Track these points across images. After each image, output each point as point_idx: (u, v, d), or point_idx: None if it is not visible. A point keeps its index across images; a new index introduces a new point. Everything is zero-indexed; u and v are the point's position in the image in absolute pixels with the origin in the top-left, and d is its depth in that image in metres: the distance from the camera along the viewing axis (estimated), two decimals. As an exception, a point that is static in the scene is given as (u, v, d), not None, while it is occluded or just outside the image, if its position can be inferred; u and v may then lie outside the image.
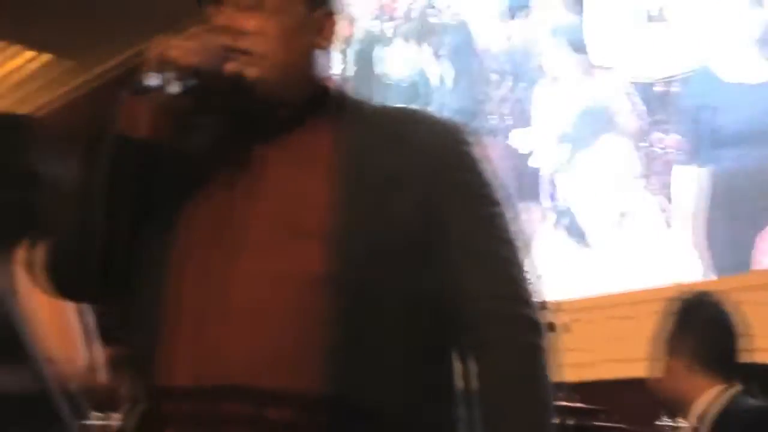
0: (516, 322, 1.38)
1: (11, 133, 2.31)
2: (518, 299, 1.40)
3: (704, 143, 4.43)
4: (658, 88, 4.62)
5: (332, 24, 1.54)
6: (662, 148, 4.56)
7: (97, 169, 1.36)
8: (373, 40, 6.46)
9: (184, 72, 1.34)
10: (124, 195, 1.35)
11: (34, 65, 9.27)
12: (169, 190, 1.43)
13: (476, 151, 1.50)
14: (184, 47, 1.36)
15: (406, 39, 6.21)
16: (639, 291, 4.38)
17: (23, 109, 9.46)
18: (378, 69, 6.31)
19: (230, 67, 1.38)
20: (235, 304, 1.33)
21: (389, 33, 6.36)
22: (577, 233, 4.87)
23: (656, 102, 4.62)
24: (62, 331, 2.03)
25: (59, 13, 7.88)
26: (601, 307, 4.48)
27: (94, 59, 8.79)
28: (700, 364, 2.77)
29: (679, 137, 4.52)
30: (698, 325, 2.85)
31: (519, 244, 1.46)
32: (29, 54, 9.08)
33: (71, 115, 9.01)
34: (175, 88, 1.34)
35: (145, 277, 1.39)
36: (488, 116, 5.42)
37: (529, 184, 5.14)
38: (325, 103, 1.49)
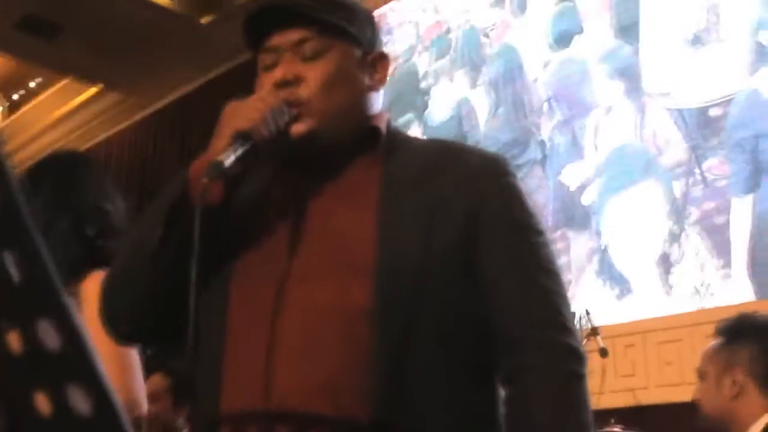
0: (555, 349, 1.41)
1: (71, 170, 2.39)
2: (557, 326, 1.42)
3: (754, 169, 4.37)
4: (710, 113, 4.58)
5: (385, 65, 1.61)
6: (714, 175, 4.52)
7: (159, 234, 1.42)
8: (415, 70, 6.43)
9: (257, 142, 1.39)
10: (185, 255, 1.36)
11: (98, 101, 9.49)
12: (227, 233, 1.48)
13: (517, 183, 1.55)
14: (254, 117, 1.39)
15: (451, 68, 6.16)
16: (689, 313, 4.33)
17: (87, 143, 9.72)
18: (422, 100, 6.28)
19: (297, 129, 1.45)
20: (286, 336, 1.38)
21: (433, 62, 6.32)
22: (624, 261, 4.82)
23: (707, 128, 4.58)
24: (115, 362, 2.06)
25: (124, 52, 8.08)
26: (653, 330, 4.45)
27: (155, 95, 8.99)
28: (757, 382, 2.57)
29: (728, 163, 4.47)
30: (755, 339, 2.62)
31: (559, 273, 1.49)
32: (94, 90, 9.30)
33: (130, 148, 9.22)
34: (246, 155, 1.38)
35: (205, 312, 1.44)
36: (538, 147, 5.38)
37: (579, 214, 5.08)
38: (374, 142, 1.54)
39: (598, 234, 4.92)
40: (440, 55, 6.25)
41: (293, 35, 1.49)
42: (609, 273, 4.79)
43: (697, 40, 4.74)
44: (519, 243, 1.47)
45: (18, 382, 0.51)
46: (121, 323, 1.56)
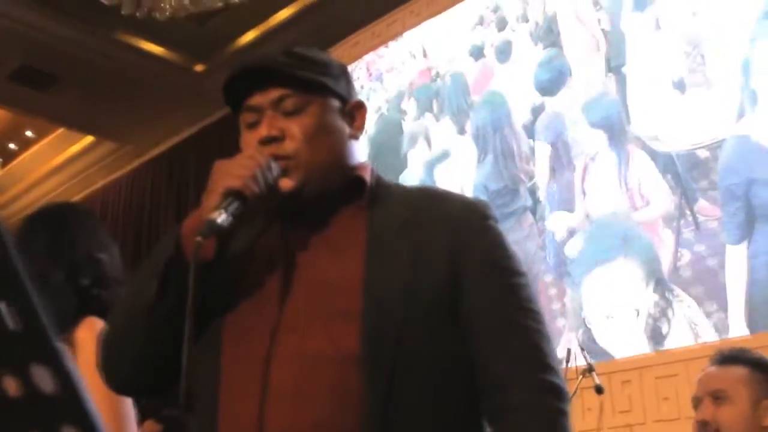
0: (537, 387, 1.43)
1: (63, 222, 2.41)
2: (539, 365, 1.45)
3: (747, 216, 4.37)
4: (699, 155, 4.58)
5: (362, 114, 1.66)
6: (705, 216, 4.52)
7: (155, 290, 1.46)
8: (397, 119, 6.43)
9: (248, 199, 1.42)
10: (179, 310, 1.39)
11: (94, 150, 9.54)
12: (219, 286, 1.51)
13: (497, 226, 1.59)
14: (244, 174, 1.43)
15: (438, 116, 6.16)
16: (685, 348, 4.34)
17: (84, 191, 9.75)
18: (405, 147, 6.29)
19: (285, 184, 1.49)
20: (278, 383, 1.41)
21: (420, 107, 6.34)
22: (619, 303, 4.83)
23: (696, 170, 4.58)
24: (109, 407, 2.07)
25: (118, 101, 8.14)
26: (649, 365, 4.45)
27: (150, 143, 9.04)
28: None
29: (718, 207, 4.47)
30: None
31: (540, 312, 1.52)
32: (89, 139, 9.35)
33: (126, 195, 9.25)
34: (237, 212, 1.41)
35: (199, 363, 1.45)
36: (528, 194, 5.37)
37: (568, 261, 5.09)
38: (359, 192, 1.59)
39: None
40: (427, 101, 6.27)
41: (273, 94, 1.55)
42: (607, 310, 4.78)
43: (683, 83, 4.76)
44: (499, 284, 1.51)
45: (15, 424, 0.54)
46: (119, 379, 1.59)
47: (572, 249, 5.07)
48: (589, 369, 4.21)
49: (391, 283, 1.45)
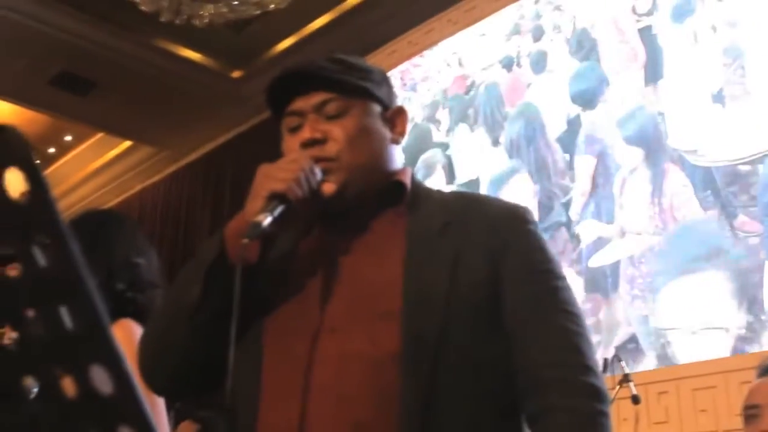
0: (577, 389, 1.43)
1: (100, 228, 2.43)
2: (579, 366, 1.44)
3: None
4: (740, 169, 4.50)
5: (403, 119, 1.68)
6: (744, 233, 4.45)
7: (198, 292, 1.47)
8: (436, 125, 6.41)
9: (291, 202, 1.44)
10: (222, 314, 1.41)
11: (131, 154, 9.62)
12: (261, 290, 1.52)
13: (537, 230, 1.59)
14: (288, 178, 1.44)
15: (472, 127, 6.11)
16: (723, 359, 4.29)
17: (121, 195, 9.82)
18: (442, 155, 6.28)
19: (328, 189, 1.51)
20: (319, 385, 1.42)
21: (453, 118, 6.29)
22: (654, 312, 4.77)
23: (736, 184, 4.50)
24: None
25: (156, 106, 8.20)
26: (687, 377, 4.41)
27: (187, 148, 9.10)
28: None
29: (758, 222, 4.40)
30: None
31: (581, 315, 1.52)
32: (127, 144, 9.43)
33: (163, 200, 9.30)
34: (282, 215, 1.43)
35: (240, 366, 1.45)
36: (562, 209, 5.32)
37: (600, 276, 5.06)
38: (399, 195, 1.60)
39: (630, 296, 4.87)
40: (461, 112, 6.23)
41: (315, 98, 1.56)
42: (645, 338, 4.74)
43: (722, 96, 4.68)
44: (539, 287, 1.51)
45: (73, 425, 0.55)
46: (160, 381, 1.60)
47: (607, 260, 5.02)
48: (626, 379, 4.18)
49: (431, 284, 1.45)
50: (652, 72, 5.08)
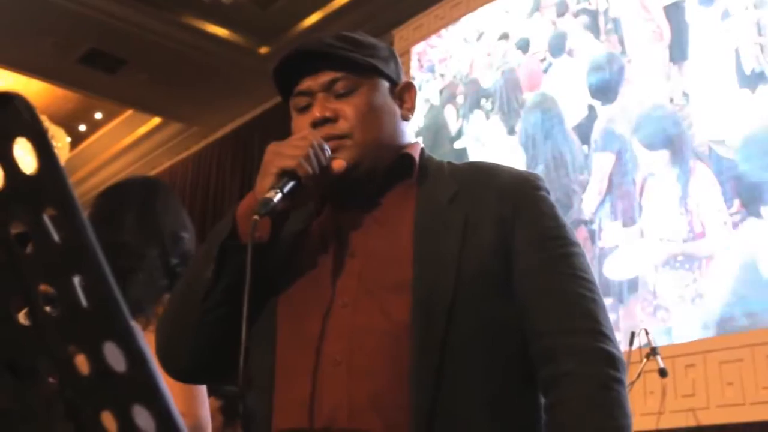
0: (589, 355, 1.41)
1: (153, 196, 2.39)
2: (591, 332, 1.43)
3: None
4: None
5: (412, 95, 1.68)
6: None
7: (210, 272, 1.47)
8: (451, 112, 6.24)
9: (302, 179, 1.44)
10: (235, 294, 1.40)
11: (161, 131, 9.65)
12: (273, 268, 1.53)
13: (549, 197, 1.58)
14: (297, 155, 1.44)
15: (488, 114, 5.94)
16: (750, 332, 4.25)
17: (151, 171, 9.87)
18: (455, 143, 6.10)
19: (338, 165, 1.50)
20: (329, 358, 1.43)
21: (468, 105, 6.13)
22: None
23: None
24: (183, 387, 2.06)
25: (184, 83, 8.22)
26: (713, 350, 4.37)
27: (216, 125, 9.12)
28: None
29: None
30: None
31: (593, 281, 1.50)
32: (156, 120, 9.46)
33: (192, 176, 9.34)
34: (292, 192, 1.43)
35: (254, 343, 1.48)
36: (581, 207, 5.15)
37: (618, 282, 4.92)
38: (409, 169, 1.60)
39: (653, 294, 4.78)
40: (476, 97, 6.10)
41: (324, 77, 1.56)
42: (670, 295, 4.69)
43: (752, 79, 4.54)
44: (551, 252, 1.49)
45: (86, 403, 0.53)
46: (177, 365, 1.60)
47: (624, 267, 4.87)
48: (653, 352, 4.16)
49: (441, 254, 1.45)
50: (677, 55, 4.94)
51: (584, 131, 5.32)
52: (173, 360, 1.58)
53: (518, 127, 5.72)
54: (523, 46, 5.86)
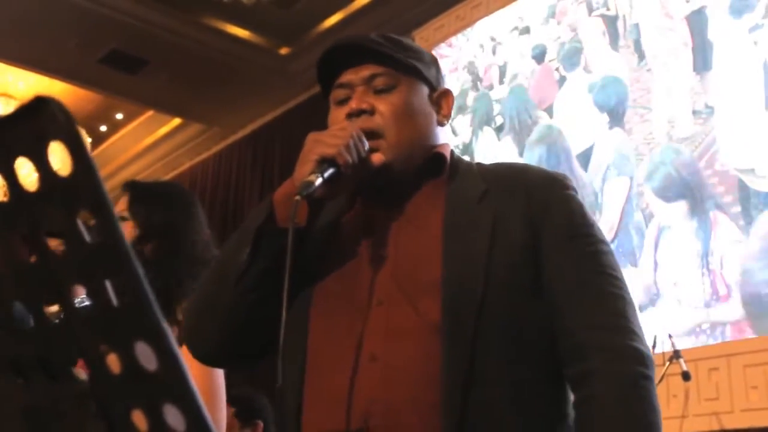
0: (617, 352, 1.42)
1: (192, 203, 2.51)
2: (620, 329, 1.45)
3: None
4: None
5: (450, 102, 1.70)
6: None
7: (246, 255, 1.49)
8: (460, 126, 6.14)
9: (341, 167, 1.46)
10: (269, 280, 1.45)
11: (181, 132, 9.69)
12: (306, 261, 1.54)
13: (577, 196, 1.60)
14: (338, 143, 1.46)
15: (498, 133, 5.85)
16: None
17: (171, 172, 9.91)
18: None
19: (377, 158, 1.53)
20: (367, 355, 1.45)
21: (474, 124, 6.06)
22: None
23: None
24: (201, 385, 2.11)
25: (205, 84, 8.25)
26: (737, 353, 4.35)
27: (237, 125, 9.14)
28: None
29: None
30: None
31: (622, 278, 1.52)
32: (177, 121, 9.50)
33: (213, 176, 9.37)
34: (331, 179, 1.45)
35: (286, 334, 1.48)
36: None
37: None
38: (439, 168, 1.63)
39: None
40: (486, 113, 6.02)
41: (365, 71, 1.59)
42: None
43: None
44: (579, 250, 1.51)
45: (116, 402, 0.55)
46: (206, 347, 1.62)
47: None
48: (676, 355, 4.14)
49: (471, 252, 1.47)
50: (701, 61, 4.82)
51: (595, 157, 5.20)
52: (201, 340, 1.61)
53: (525, 156, 5.63)
54: (539, 55, 5.78)
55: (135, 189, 2.49)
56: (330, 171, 1.44)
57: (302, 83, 7.53)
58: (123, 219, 2.39)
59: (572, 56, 5.56)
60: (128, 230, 2.35)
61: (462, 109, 6.20)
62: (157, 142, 9.93)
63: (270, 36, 7.75)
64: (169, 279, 2.26)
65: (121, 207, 2.42)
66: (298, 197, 1.40)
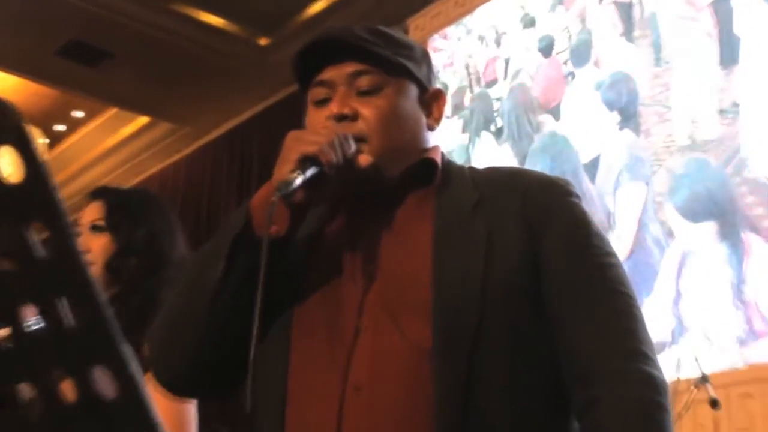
0: (628, 378, 1.41)
1: (169, 215, 2.55)
2: (630, 353, 1.44)
3: None
4: None
5: (441, 104, 1.70)
6: None
7: (221, 270, 1.47)
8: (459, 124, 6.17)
9: (324, 167, 1.45)
10: (247, 295, 1.42)
11: (149, 132, 9.68)
12: (286, 276, 1.53)
13: (580, 203, 1.60)
14: (321, 141, 1.45)
15: (497, 138, 5.86)
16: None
17: (137, 177, 9.90)
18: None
19: (364, 160, 1.52)
20: (353, 382, 1.44)
21: (473, 128, 6.07)
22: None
23: None
24: (172, 415, 2.12)
25: (175, 78, 8.24)
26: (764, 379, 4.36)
27: (211, 124, 9.14)
28: None
29: None
30: None
31: (633, 295, 1.51)
32: (144, 120, 9.49)
33: (185, 182, 9.36)
34: (313, 180, 1.44)
35: (265, 360, 1.49)
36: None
37: None
38: (430, 175, 1.61)
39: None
40: (484, 118, 6.04)
41: (348, 68, 1.58)
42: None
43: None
44: (584, 264, 1.51)
45: (73, 433, 0.55)
46: (174, 375, 1.61)
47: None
48: (703, 380, 4.14)
49: (463, 271, 1.46)
50: (728, 54, 4.79)
51: (605, 162, 5.18)
52: (170, 366, 1.59)
53: (527, 163, 5.59)
54: (545, 48, 5.78)
55: (111, 196, 2.50)
56: (312, 170, 1.43)
57: (284, 77, 7.49)
58: (98, 229, 2.39)
59: (582, 50, 5.54)
60: (104, 242, 2.36)
61: (458, 109, 6.21)
62: (122, 143, 9.92)
63: (248, 25, 7.75)
64: (146, 296, 2.27)
65: (94, 216, 2.42)
66: (275, 198, 1.39)
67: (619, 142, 5.16)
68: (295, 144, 1.46)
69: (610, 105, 5.24)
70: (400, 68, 1.60)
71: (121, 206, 2.46)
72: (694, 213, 4.70)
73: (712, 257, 4.60)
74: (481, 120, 6.06)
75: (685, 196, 4.76)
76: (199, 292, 1.51)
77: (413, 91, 1.63)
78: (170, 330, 1.59)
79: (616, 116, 5.21)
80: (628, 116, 5.14)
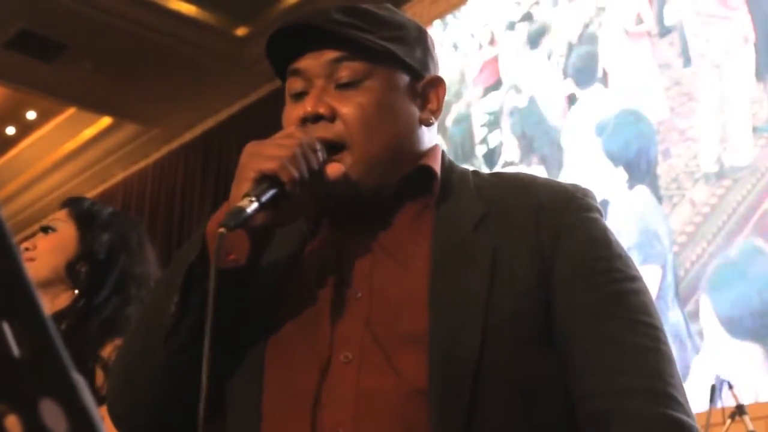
0: (651, 423, 1.38)
1: (142, 237, 2.71)
2: (654, 393, 1.40)
3: None
4: None
5: (440, 93, 1.64)
6: None
7: (172, 310, 1.45)
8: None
9: (285, 186, 1.41)
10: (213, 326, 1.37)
11: (113, 134, 9.68)
12: (255, 303, 1.52)
13: (600, 218, 1.55)
14: (281, 155, 1.41)
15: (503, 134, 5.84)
16: None
17: (101, 184, 9.90)
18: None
19: (333, 170, 1.48)
20: (330, 426, 1.41)
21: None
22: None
23: None
24: None
25: (142, 74, 8.25)
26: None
27: (182, 125, 9.14)
28: None
29: None
30: None
31: (659, 326, 1.47)
32: (107, 121, 9.49)
33: (153, 189, 9.36)
34: (273, 201, 1.40)
35: (235, 397, 1.50)
36: None
37: None
38: (429, 184, 1.57)
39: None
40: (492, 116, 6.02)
41: (326, 56, 1.54)
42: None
43: None
44: (602, 290, 1.47)
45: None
46: (132, 423, 1.60)
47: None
48: (740, 411, 4.14)
49: (464, 296, 1.43)
50: (766, 64, 4.69)
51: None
52: (128, 418, 1.59)
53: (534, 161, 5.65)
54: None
55: (84, 203, 2.68)
56: (270, 193, 1.40)
57: (264, 72, 7.51)
58: (49, 230, 2.51)
59: (586, 64, 5.46)
60: (69, 240, 2.54)
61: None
62: (81, 148, 9.91)
63: (223, 13, 7.76)
64: (104, 316, 2.41)
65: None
66: (222, 230, 1.34)
67: (629, 203, 5.08)
68: (252, 160, 1.43)
69: (615, 158, 5.19)
70: (386, 54, 1.55)
71: (93, 213, 2.62)
72: (738, 330, 4.66)
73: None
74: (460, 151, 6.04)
75: (730, 301, 4.72)
76: (152, 330, 1.50)
77: (403, 79, 1.58)
78: (125, 375, 1.58)
79: (622, 173, 5.15)
80: (639, 172, 5.07)
